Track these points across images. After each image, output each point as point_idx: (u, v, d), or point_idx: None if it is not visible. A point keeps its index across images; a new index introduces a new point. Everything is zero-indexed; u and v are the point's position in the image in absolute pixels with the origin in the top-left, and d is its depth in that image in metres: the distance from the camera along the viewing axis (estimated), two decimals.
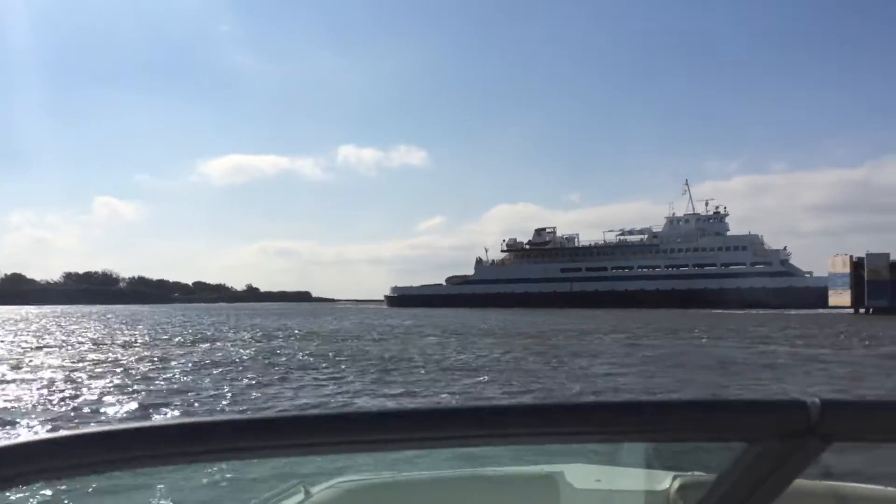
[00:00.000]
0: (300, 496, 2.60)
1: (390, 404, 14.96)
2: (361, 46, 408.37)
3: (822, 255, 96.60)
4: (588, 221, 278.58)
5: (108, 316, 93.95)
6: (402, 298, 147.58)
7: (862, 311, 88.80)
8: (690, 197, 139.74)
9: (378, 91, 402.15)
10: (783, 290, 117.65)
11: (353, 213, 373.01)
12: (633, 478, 2.76)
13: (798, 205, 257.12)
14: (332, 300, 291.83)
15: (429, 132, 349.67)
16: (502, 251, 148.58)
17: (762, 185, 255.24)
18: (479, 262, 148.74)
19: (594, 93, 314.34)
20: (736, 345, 35.45)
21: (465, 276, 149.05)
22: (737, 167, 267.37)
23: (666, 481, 2.63)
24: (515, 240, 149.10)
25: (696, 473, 2.61)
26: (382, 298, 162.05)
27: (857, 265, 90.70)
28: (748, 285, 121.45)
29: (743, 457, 1.01)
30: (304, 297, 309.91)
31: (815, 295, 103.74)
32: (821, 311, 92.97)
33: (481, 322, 64.29)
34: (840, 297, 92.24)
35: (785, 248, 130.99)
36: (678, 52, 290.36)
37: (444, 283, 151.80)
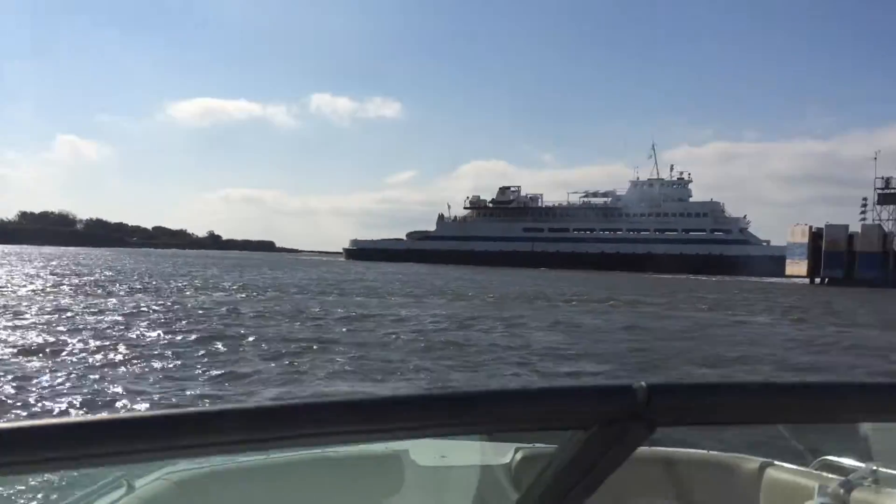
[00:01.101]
0: (122, 490, 2.40)
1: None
2: None
3: (786, 224, 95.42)
4: (561, 182, 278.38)
5: (51, 260, 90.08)
6: (361, 252, 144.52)
7: (817, 280, 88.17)
8: (656, 162, 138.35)
9: (357, 41, 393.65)
10: (740, 257, 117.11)
11: (322, 163, 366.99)
12: (477, 451, 2.89)
13: (766, 173, 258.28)
14: (296, 251, 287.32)
15: (406, 85, 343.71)
16: (465, 208, 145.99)
17: (733, 153, 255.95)
18: (441, 218, 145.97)
19: (577, 53, 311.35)
20: (674, 314, 33.43)
21: (426, 232, 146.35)
22: (711, 133, 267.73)
23: (508, 454, 2.86)
24: (479, 197, 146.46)
25: (538, 445, 2.81)
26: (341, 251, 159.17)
27: (816, 235, 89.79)
28: (706, 251, 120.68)
29: (575, 440, 1.01)
30: (267, 246, 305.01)
31: (773, 263, 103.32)
32: (777, 279, 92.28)
33: (435, 279, 61.98)
34: (797, 267, 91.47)
35: (745, 217, 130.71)
36: (662, 19, 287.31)
37: (404, 238, 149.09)
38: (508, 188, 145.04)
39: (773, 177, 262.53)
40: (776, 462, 3.04)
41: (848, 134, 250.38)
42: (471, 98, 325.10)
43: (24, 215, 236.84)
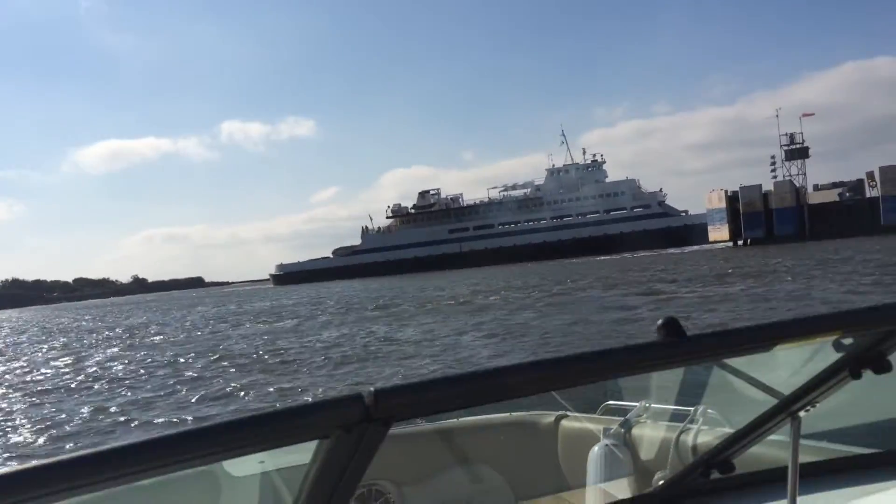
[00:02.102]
0: None
1: None
2: (236, 16, 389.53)
3: (705, 192, 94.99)
4: (484, 179, 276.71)
5: None
6: (289, 276, 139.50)
7: (740, 243, 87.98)
8: (568, 147, 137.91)
9: (259, 62, 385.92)
10: (663, 230, 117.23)
11: (243, 191, 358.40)
12: (296, 452, 2.63)
13: (681, 145, 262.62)
14: (227, 283, 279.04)
15: (316, 101, 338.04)
16: (388, 217, 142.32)
17: (647, 129, 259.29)
18: (365, 230, 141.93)
19: (479, 51, 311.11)
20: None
21: (352, 247, 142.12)
22: (622, 113, 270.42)
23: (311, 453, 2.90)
24: (400, 205, 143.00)
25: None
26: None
27: (732, 199, 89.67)
28: (629, 229, 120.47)
29: (321, 450, 1.16)
30: (196, 283, 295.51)
31: (696, 232, 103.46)
32: (702, 247, 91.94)
33: (330, 297, 58.62)
34: (719, 232, 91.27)
35: (661, 190, 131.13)
36: (558, 5, 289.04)
37: (331, 256, 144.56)
38: (428, 192, 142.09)
39: (687, 147, 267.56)
40: (569, 413, 3.40)
41: (751, 96, 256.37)
42: (383, 107, 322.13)
43: None
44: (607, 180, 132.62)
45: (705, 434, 2.64)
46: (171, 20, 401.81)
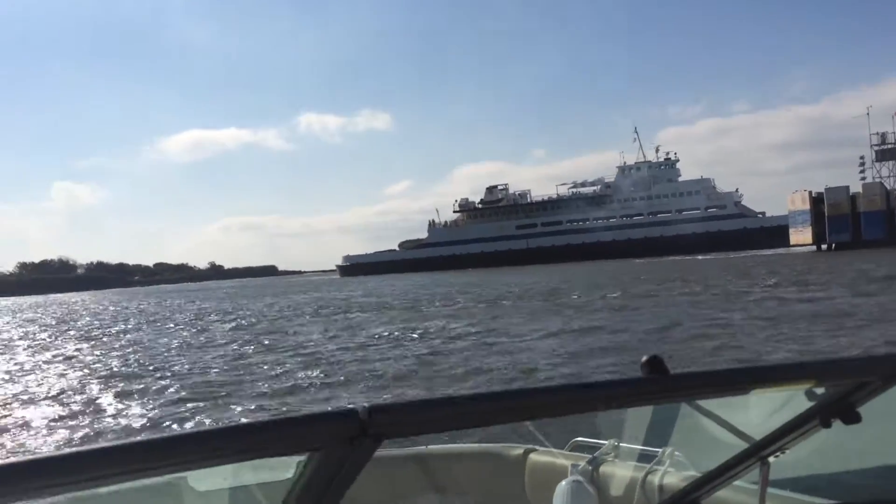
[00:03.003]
0: None
1: None
2: (317, 10, 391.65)
3: (787, 193, 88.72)
4: (557, 176, 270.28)
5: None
6: (354, 267, 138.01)
7: (824, 247, 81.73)
8: (640, 145, 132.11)
9: (337, 55, 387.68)
10: (738, 231, 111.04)
11: (318, 182, 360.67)
12: (258, 470, 2.73)
13: (761, 145, 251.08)
14: (300, 272, 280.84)
15: (392, 94, 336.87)
16: (455, 212, 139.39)
17: (725, 128, 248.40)
18: (431, 224, 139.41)
19: (555, 47, 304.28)
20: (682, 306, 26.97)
21: (418, 240, 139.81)
22: (700, 111, 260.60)
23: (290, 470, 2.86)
24: (468, 199, 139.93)
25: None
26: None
27: (816, 201, 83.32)
28: (703, 230, 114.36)
29: (310, 462, 1.15)
30: (269, 271, 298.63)
31: (773, 234, 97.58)
32: (781, 250, 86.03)
33: (390, 291, 55.62)
34: (801, 235, 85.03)
35: (737, 190, 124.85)
36: (641, 4, 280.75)
37: (397, 249, 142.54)
38: (496, 187, 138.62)
39: (767, 147, 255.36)
40: (538, 447, 3.35)
41: (837, 95, 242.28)
42: (458, 101, 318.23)
43: (23, 266, 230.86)
44: (680, 179, 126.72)
45: (672, 475, 2.60)
46: (255, 15, 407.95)
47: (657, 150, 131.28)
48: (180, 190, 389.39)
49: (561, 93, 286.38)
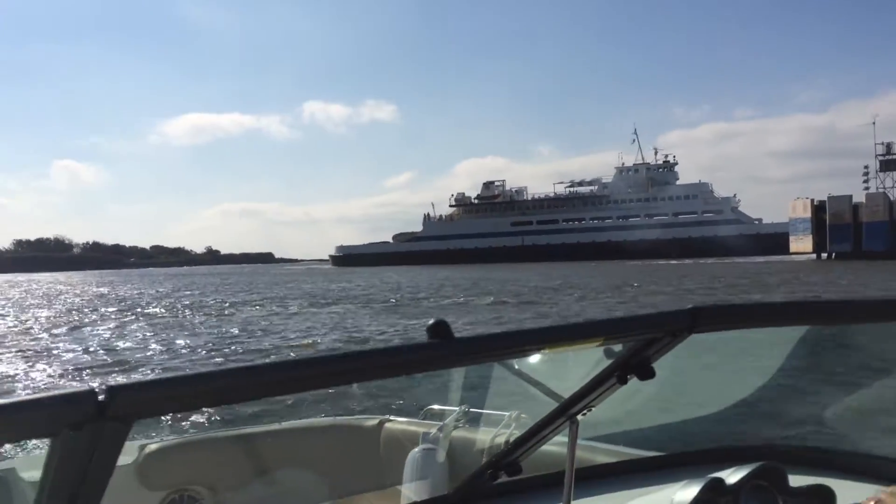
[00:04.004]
0: None
1: None
2: None
3: (787, 201, 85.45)
4: (558, 174, 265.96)
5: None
6: (348, 258, 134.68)
7: (824, 256, 78.56)
8: (640, 147, 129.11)
9: (346, 44, 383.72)
10: (734, 237, 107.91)
11: (319, 171, 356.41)
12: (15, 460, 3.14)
13: (763, 151, 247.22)
14: (296, 260, 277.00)
15: (398, 86, 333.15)
16: (451, 206, 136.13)
17: (728, 132, 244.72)
18: (426, 218, 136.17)
19: (565, 43, 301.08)
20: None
21: (413, 233, 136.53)
22: (703, 114, 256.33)
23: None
24: (464, 194, 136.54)
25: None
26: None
27: (818, 209, 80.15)
28: (698, 234, 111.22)
29: (53, 450, 1.02)
30: (266, 258, 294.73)
31: (770, 241, 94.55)
32: (779, 257, 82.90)
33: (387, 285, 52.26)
34: (801, 243, 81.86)
35: (735, 196, 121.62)
36: (651, 2, 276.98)
37: (391, 241, 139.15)
38: (493, 183, 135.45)
39: (770, 154, 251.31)
40: (392, 417, 3.45)
41: (844, 104, 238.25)
42: (464, 96, 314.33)
43: (19, 243, 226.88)
44: (678, 182, 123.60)
45: (514, 437, 2.61)
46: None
47: (656, 153, 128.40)
48: (181, 173, 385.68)
49: (569, 91, 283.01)
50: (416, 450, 2.92)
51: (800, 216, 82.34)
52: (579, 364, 1.74)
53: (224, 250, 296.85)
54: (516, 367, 1.84)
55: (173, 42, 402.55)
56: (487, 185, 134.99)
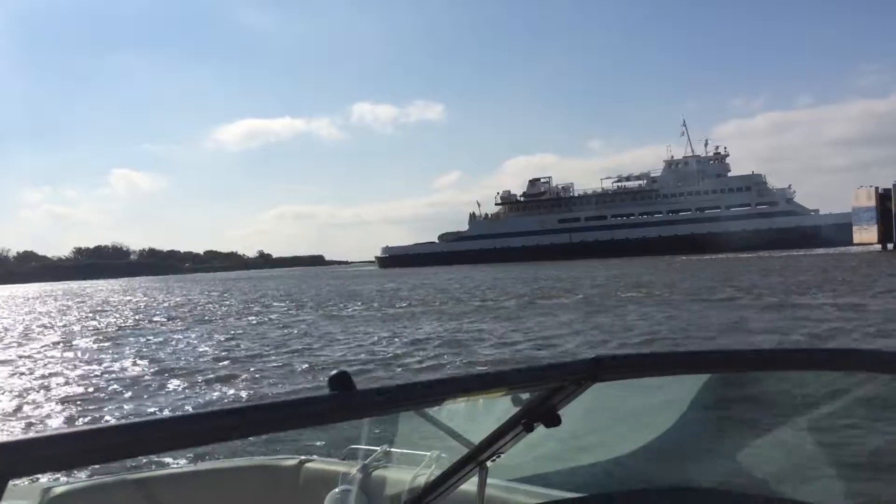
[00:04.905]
0: None
1: None
2: (375, 0, 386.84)
3: (848, 190, 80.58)
4: (607, 169, 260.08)
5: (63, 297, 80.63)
6: (393, 259, 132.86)
7: (890, 246, 73.45)
8: (689, 138, 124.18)
9: (394, 45, 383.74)
10: (790, 229, 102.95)
11: (369, 172, 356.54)
12: None
13: (823, 140, 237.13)
14: (346, 262, 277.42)
15: (446, 85, 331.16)
16: (496, 204, 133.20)
17: (786, 122, 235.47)
18: (472, 217, 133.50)
19: (615, 35, 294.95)
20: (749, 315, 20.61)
21: (458, 233, 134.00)
22: (761, 104, 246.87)
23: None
24: (509, 192, 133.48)
25: None
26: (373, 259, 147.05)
27: (883, 198, 74.94)
28: (752, 227, 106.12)
29: None
30: (317, 261, 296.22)
31: (830, 232, 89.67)
32: (841, 249, 78.13)
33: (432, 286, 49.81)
34: (866, 234, 76.76)
35: (790, 187, 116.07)
36: None
37: (436, 241, 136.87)
38: (538, 180, 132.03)
39: (830, 142, 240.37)
40: (314, 457, 3.34)
41: None
42: (512, 93, 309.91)
43: (79, 251, 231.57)
44: (730, 174, 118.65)
45: (433, 479, 2.57)
46: (309, 2, 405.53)
47: (706, 144, 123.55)
48: (234, 179, 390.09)
49: (621, 83, 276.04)
50: (335, 491, 2.83)
51: (863, 205, 77.21)
52: (489, 411, 1.77)
53: (276, 254, 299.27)
54: (430, 413, 1.86)
55: (227, 48, 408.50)
56: (533, 182, 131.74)
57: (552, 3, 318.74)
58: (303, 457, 3.35)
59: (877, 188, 76.52)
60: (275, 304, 39.99)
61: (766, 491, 2.62)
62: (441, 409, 1.71)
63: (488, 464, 1.85)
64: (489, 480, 1.91)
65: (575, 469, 2.86)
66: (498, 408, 1.69)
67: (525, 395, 1.60)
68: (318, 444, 5.82)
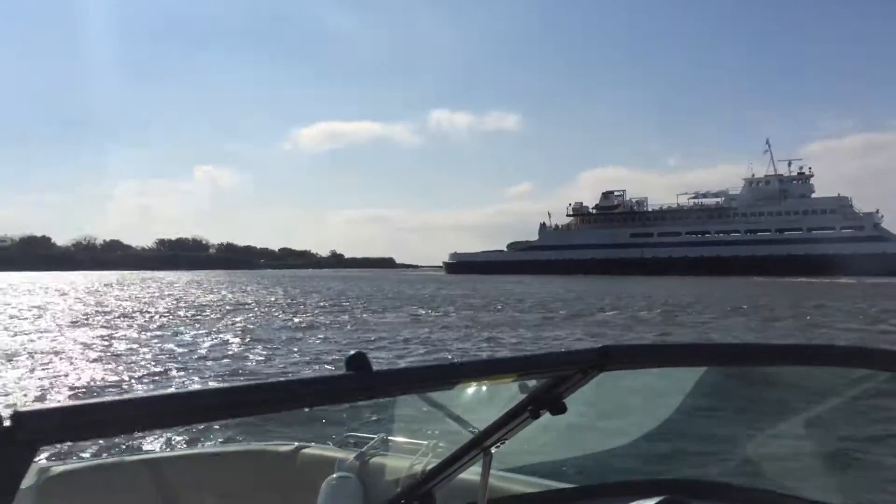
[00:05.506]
0: None
1: None
2: (452, 5, 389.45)
3: None
4: (683, 185, 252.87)
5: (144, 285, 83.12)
6: (461, 265, 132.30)
7: None
8: (772, 157, 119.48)
9: (473, 53, 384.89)
10: (878, 255, 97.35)
11: (442, 178, 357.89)
12: None
13: None
14: (416, 266, 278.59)
15: (524, 95, 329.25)
16: (568, 216, 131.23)
17: (878, 143, 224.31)
18: (542, 227, 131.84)
19: (698, 48, 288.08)
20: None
21: (527, 242, 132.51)
22: (852, 125, 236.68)
23: None
24: (581, 203, 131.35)
25: None
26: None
27: None
28: (834, 251, 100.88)
29: None
30: (387, 263, 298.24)
31: None
32: None
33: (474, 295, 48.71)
34: None
35: (878, 211, 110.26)
36: (789, 4, 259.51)
37: (505, 249, 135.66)
38: (612, 193, 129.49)
39: None
40: (309, 444, 3.32)
41: None
42: (589, 105, 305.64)
43: (161, 242, 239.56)
44: (814, 195, 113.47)
45: (431, 466, 2.56)
46: (390, 5, 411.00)
47: (790, 164, 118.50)
48: (311, 179, 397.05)
49: (701, 100, 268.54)
50: (331, 477, 2.82)
51: None
52: (495, 398, 1.79)
53: (347, 254, 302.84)
54: (436, 398, 1.89)
55: (308, 50, 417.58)
56: (606, 195, 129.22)
57: (633, 13, 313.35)
58: (299, 443, 3.30)
59: None
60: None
61: (767, 484, 2.56)
62: (448, 395, 1.71)
63: (493, 450, 1.85)
64: (493, 468, 1.91)
65: (578, 458, 2.86)
66: (504, 394, 1.70)
67: (532, 383, 1.61)
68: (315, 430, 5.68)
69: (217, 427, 6.68)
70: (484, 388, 1.68)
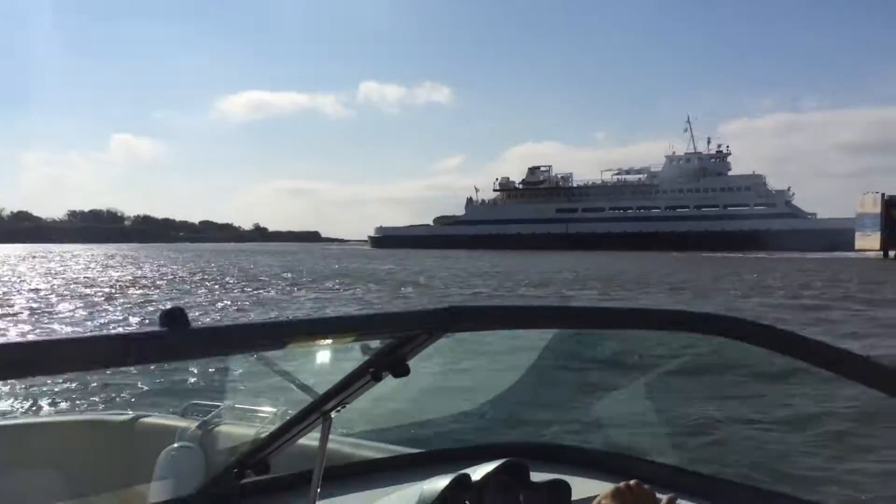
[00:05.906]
0: None
1: None
2: None
3: (850, 196, 78.69)
4: (610, 161, 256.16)
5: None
6: (386, 239, 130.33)
7: (892, 254, 71.57)
8: (692, 136, 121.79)
9: (404, 25, 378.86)
10: (790, 231, 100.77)
11: (372, 152, 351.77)
12: None
13: (830, 144, 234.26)
14: (343, 240, 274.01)
15: (455, 69, 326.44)
16: (494, 190, 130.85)
17: (795, 124, 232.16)
18: (469, 201, 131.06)
19: (628, 28, 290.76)
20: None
21: (454, 217, 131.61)
22: (770, 104, 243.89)
23: None
24: (508, 179, 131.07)
25: None
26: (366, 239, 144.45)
27: (889, 204, 73.09)
28: (749, 227, 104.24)
29: None
30: (312, 237, 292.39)
31: (828, 237, 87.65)
32: (841, 254, 76.22)
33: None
34: (868, 240, 74.94)
35: (789, 189, 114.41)
36: None
37: (431, 224, 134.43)
38: (538, 168, 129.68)
39: (837, 147, 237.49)
40: (150, 413, 3.18)
41: None
42: (521, 80, 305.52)
43: (73, 214, 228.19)
44: (731, 174, 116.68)
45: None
46: None
47: (709, 142, 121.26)
48: (235, 150, 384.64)
49: (630, 76, 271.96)
50: (171, 447, 2.69)
51: (869, 211, 75.32)
52: (336, 360, 1.71)
53: (272, 228, 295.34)
54: (278, 362, 1.77)
55: (234, 20, 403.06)
56: (532, 170, 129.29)
57: None
58: (138, 412, 3.12)
59: (883, 194, 74.70)
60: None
61: (608, 446, 2.50)
62: (285, 356, 1.57)
63: (332, 414, 1.75)
64: (335, 434, 1.82)
65: (424, 423, 2.84)
66: (347, 356, 1.62)
67: (375, 344, 1.53)
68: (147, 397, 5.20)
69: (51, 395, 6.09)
70: (330, 350, 1.60)
